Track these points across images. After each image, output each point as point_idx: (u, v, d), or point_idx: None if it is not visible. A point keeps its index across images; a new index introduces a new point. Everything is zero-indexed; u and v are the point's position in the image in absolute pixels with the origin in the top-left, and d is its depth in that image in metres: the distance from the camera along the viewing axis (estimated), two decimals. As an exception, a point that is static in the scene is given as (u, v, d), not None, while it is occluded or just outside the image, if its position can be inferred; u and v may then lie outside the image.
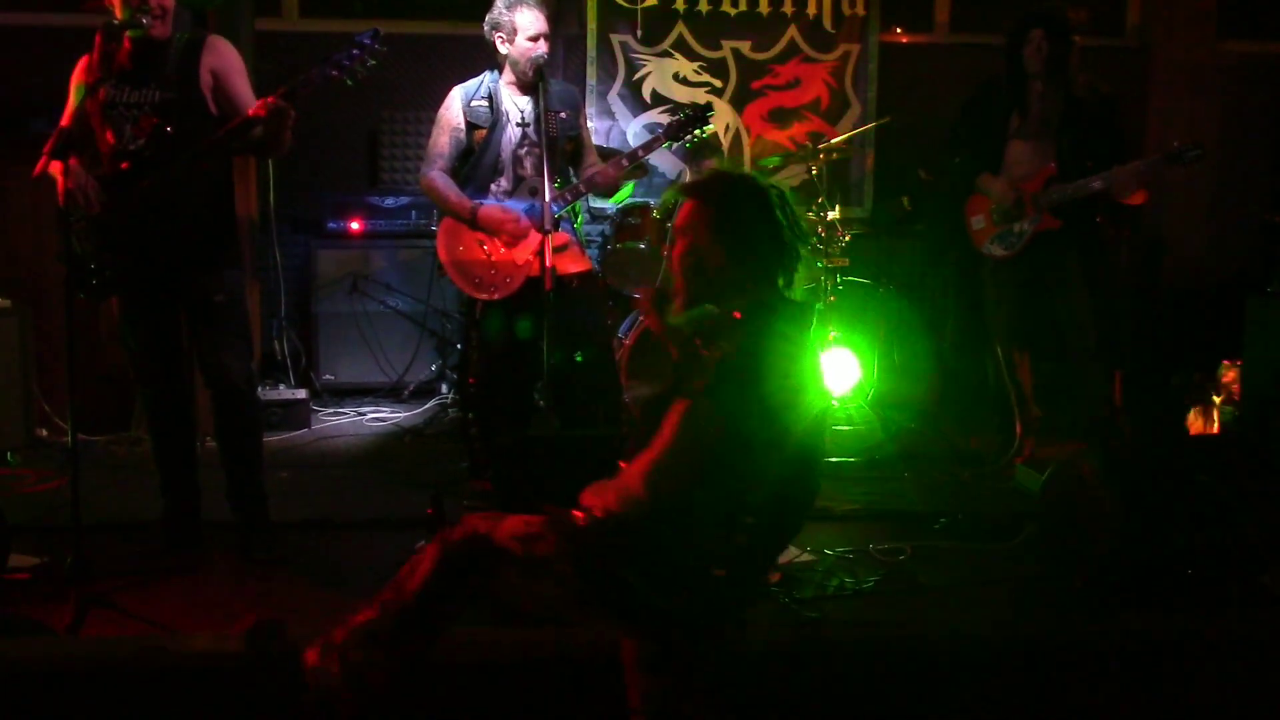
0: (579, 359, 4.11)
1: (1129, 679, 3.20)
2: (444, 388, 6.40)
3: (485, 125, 4.50)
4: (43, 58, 6.10)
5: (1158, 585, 3.60)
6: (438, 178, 4.52)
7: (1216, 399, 5.63)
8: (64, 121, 3.76)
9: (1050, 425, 5.06)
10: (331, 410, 6.32)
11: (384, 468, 5.30)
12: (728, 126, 7.12)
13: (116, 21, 3.74)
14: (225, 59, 3.98)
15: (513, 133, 4.51)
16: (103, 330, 5.40)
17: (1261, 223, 6.97)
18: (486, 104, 4.51)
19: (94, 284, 3.80)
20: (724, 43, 7.09)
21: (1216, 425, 5.44)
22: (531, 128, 4.50)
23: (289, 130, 3.80)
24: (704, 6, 7.06)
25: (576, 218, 5.41)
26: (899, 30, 7.35)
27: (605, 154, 5.34)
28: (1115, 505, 3.60)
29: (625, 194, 6.08)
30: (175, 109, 3.83)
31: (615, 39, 7.04)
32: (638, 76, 7.04)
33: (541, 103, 4.40)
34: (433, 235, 6.03)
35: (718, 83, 7.11)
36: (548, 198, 4.11)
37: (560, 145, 4.42)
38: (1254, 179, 7.33)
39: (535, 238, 4.36)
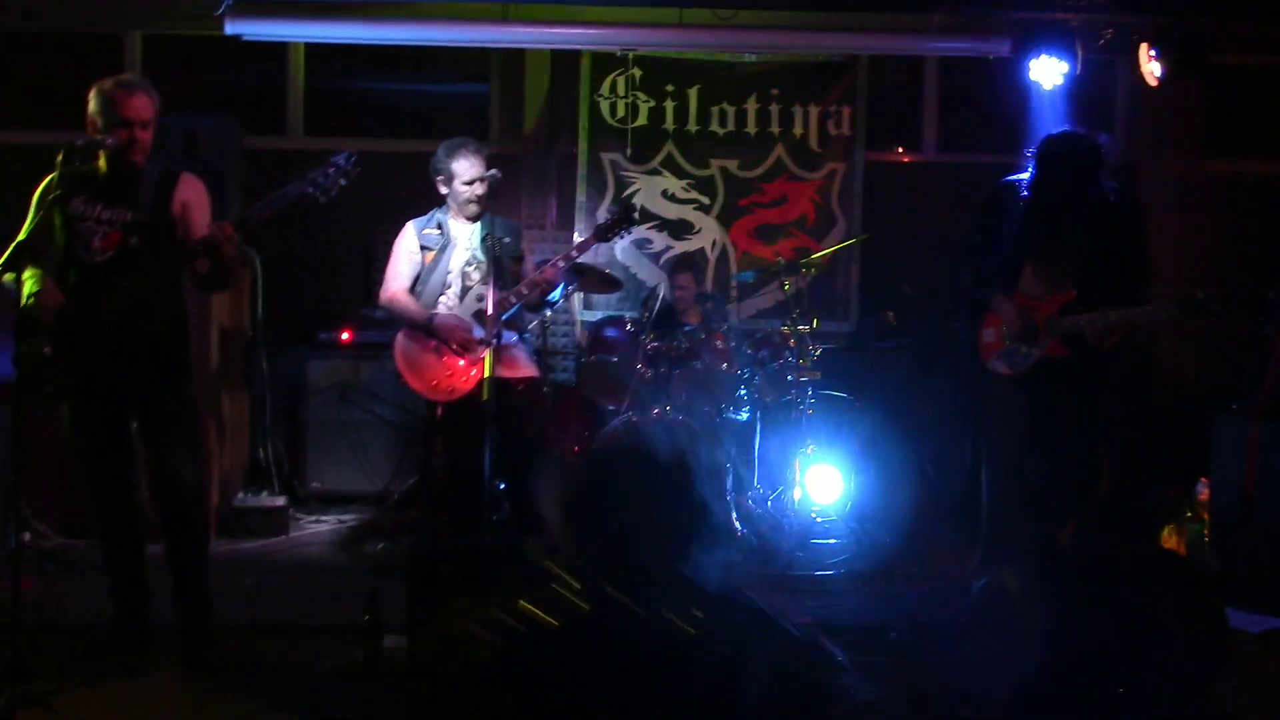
0: None
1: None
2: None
3: (435, 248, 4.94)
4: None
5: (1090, 703, 3.57)
6: (398, 293, 4.94)
7: (1189, 515, 5.60)
8: (20, 234, 3.98)
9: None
10: (315, 518, 6.40)
11: (350, 574, 5.36)
12: (714, 243, 7.28)
13: (80, 143, 3.96)
14: (195, 194, 4.19)
15: (460, 254, 4.93)
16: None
17: (1249, 337, 6.96)
18: (437, 231, 4.98)
19: (48, 390, 3.94)
20: (712, 161, 7.29)
21: (1183, 543, 5.41)
22: (477, 249, 4.90)
23: (234, 262, 4.01)
24: (693, 126, 7.27)
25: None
26: (888, 150, 7.51)
27: (581, 269, 5.53)
28: (1040, 623, 3.58)
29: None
30: (144, 229, 4.02)
31: (605, 157, 7.25)
32: (627, 193, 7.23)
33: (490, 224, 4.70)
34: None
35: (706, 200, 7.29)
36: (490, 310, 4.28)
37: (505, 264, 4.69)
38: (1242, 295, 7.33)
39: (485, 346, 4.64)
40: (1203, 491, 5.72)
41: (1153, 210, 7.20)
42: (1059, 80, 6.39)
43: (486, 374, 4.51)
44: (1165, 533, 5.59)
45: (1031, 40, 6.29)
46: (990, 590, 3.84)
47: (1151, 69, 6.08)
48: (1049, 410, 4.90)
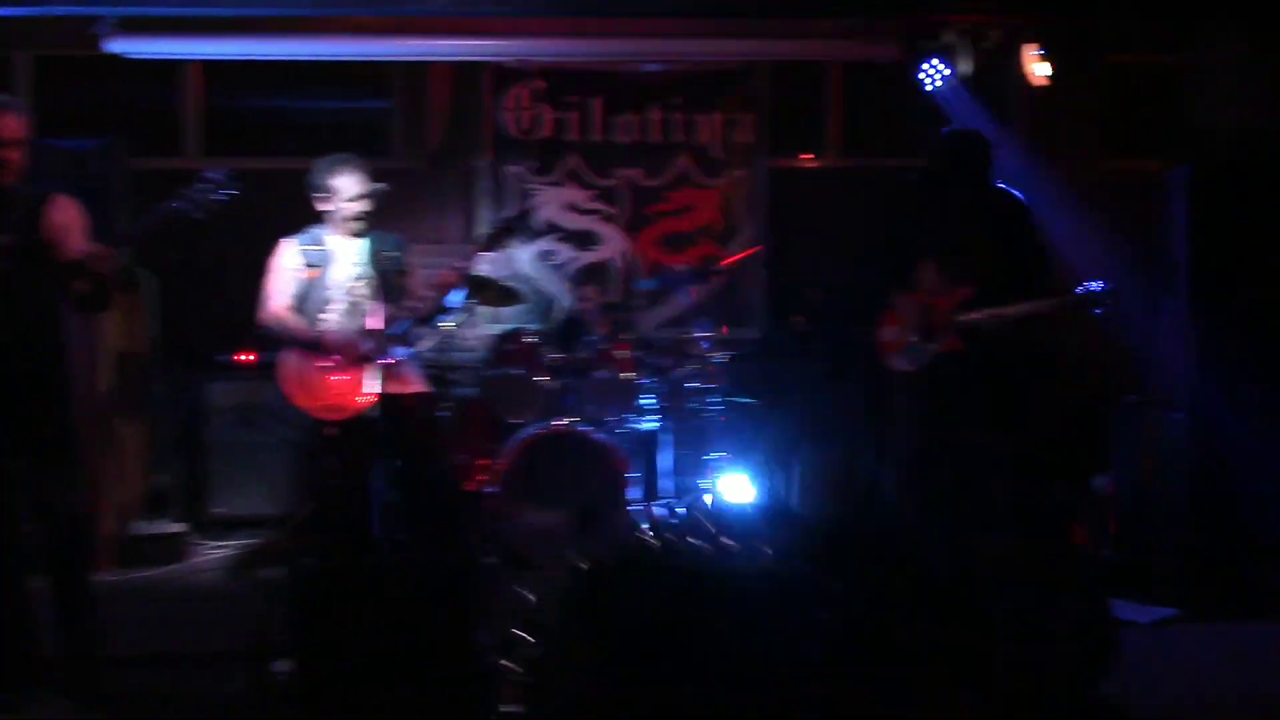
0: None
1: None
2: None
3: (319, 265, 4.80)
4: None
5: (979, 696, 3.59)
6: (281, 310, 4.81)
7: (1093, 511, 5.67)
8: None
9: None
10: (218, 544, 6.27)
11: (245, 600, 5.26)
12: (621, 253, 7.26)
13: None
14: (69, 216, 4.06)
15: (342, 270, 4.80)
16: None
17: (1141, 331, 7.05)
18: (318, 248, 4.83)
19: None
20: (617, 171, 7.27)
21: (1087, 539, 5.47)
22: (364, 265, 4.78)
23: (113, 283, 3.92)
24: (596, 136, 7.25)
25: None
26: (792, 156, 7.53)
27: (480, 283, 5.48)
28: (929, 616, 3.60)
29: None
30: (15, 254, 3.92)
31: (510, 170, 7.22)
32: (530, 205, 7.19)
33: (379, 239, 4.71)
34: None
35: (611, 210, 7.27)
36: (376, 325, 4.25)
37: (393, 279, 4.64)
38: (1134, 291, 7.43)
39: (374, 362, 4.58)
40: (1101, 485, 5.81)
41: (1049, 208, 7.34)
42: (953, 82, 6.47)
43: (371, 391, 4.47)
44: (1074, 529, 5.65)
45: (920, 44, 6.36)
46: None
47: (1035, 69, 6.16)
48: (953, 406, 4.95)
